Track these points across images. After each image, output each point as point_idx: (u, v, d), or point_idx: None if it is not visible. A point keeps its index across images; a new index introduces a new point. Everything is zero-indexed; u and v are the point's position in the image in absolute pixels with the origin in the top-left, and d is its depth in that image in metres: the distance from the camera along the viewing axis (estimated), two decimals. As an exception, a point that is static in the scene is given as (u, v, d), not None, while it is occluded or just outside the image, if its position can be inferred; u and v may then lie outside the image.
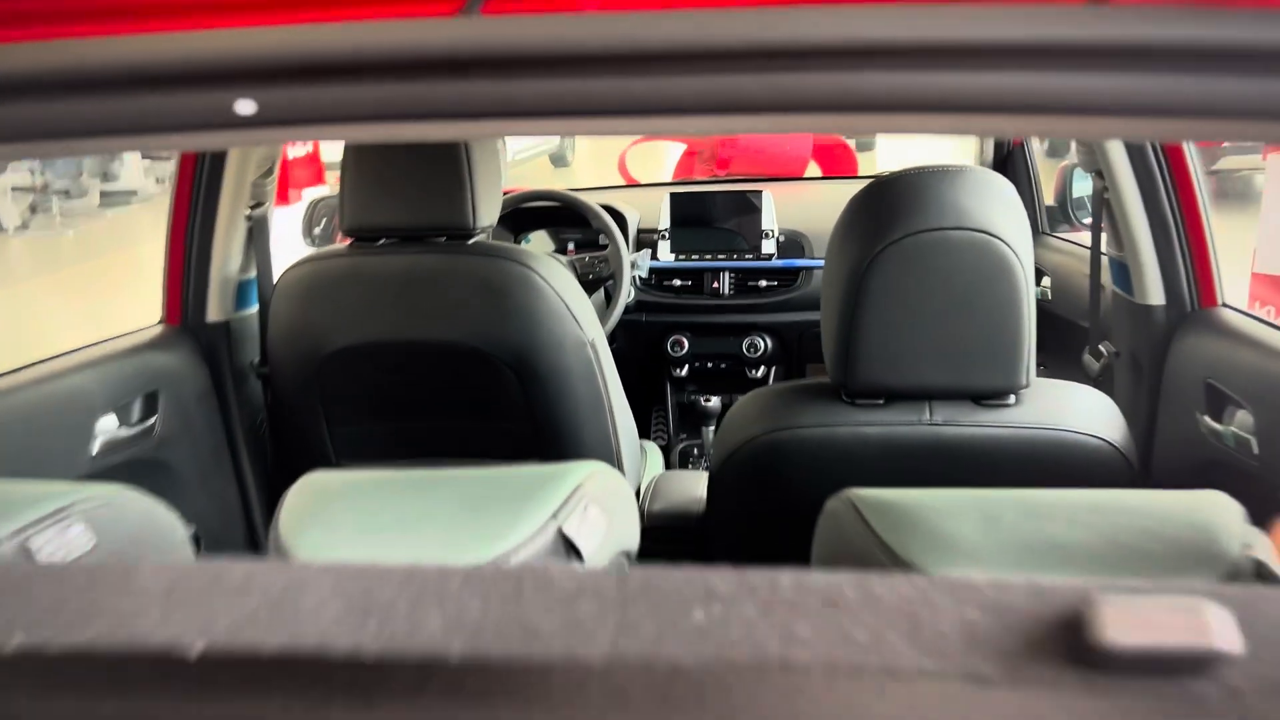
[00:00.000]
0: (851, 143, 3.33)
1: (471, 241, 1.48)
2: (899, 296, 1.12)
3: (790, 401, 1.25)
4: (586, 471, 1.20)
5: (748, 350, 2.40)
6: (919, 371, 1.15)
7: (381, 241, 1.49)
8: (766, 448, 1.22)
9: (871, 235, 1.12)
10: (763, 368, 2.44)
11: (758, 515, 1.30)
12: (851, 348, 1.15)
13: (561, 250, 2.47)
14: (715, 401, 2.24)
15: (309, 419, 1.58)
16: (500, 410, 1.52)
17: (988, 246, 1.09)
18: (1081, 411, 1.17)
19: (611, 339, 2.43)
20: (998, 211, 1.10)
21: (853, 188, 1.22)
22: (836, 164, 3.09)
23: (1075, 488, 1.12)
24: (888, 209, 1.12)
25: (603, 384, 1.53)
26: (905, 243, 1.10)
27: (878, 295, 1.12)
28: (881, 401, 1.20)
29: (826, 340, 1.21)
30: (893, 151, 8.65)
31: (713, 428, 2.28)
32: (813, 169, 3.09)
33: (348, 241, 1.53)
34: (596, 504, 1.14)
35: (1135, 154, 1.48)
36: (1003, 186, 1.14)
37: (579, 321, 1.48)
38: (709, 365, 2.47)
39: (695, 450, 2.38)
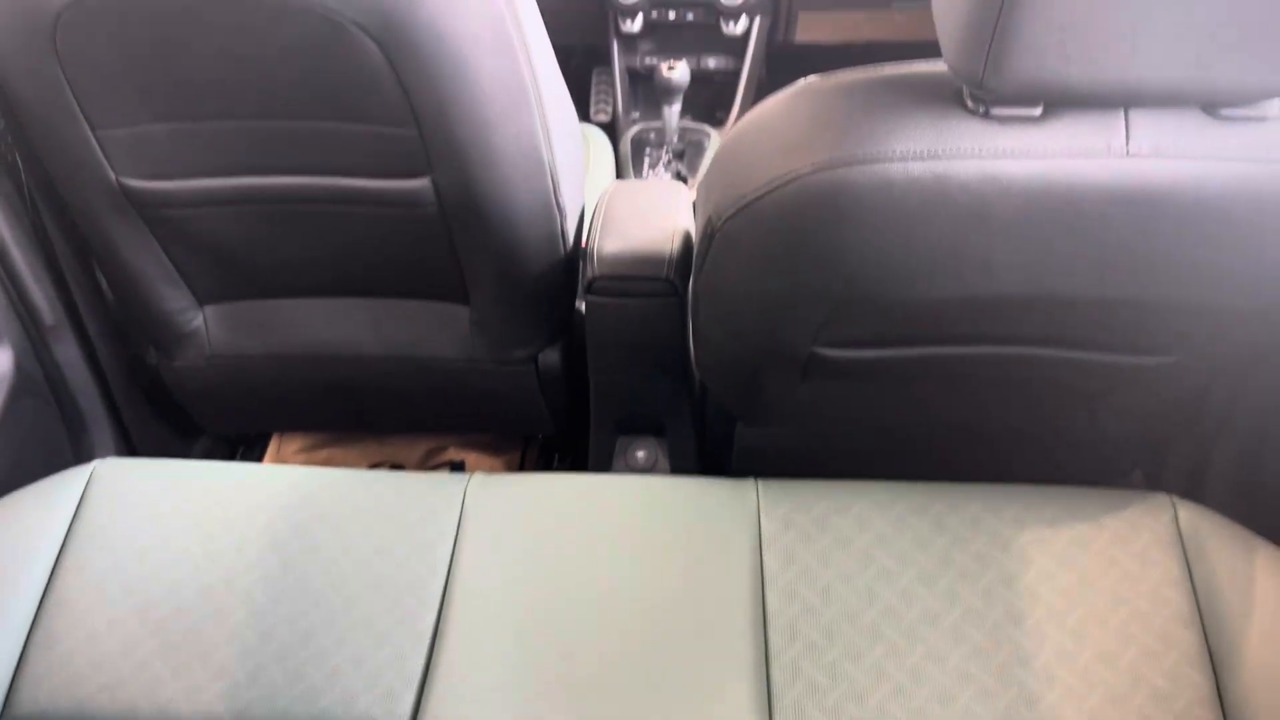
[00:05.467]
0: None
1: None
2: None
3: (865, 107, 0.71)
4: None
5: None
6: (1124, 52, 0.60)
7: None
8: (821, 195, 0.70)
9: None
10: (744, 19, 1.81)
11: (792, 308, 0.80)
12: (1007, 7, 0.59)
13: None
14: (681, 69, 1.64)
15: (58, 117, 0.98)
16: (364, 105, 0.94)
17: None
18: None
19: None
20: None
21: None
22: None
23: None
24: None
25: (525, 59, 0.95)
26: None
27: None
28: (1038, 113, 0.67)
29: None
30: None
31: (676, 107, 1.70)
32: None
33: None
34: None
35: None
36: None
37: None
38: (671, 14, 1.83)
39: (652, 136, 1.81)
